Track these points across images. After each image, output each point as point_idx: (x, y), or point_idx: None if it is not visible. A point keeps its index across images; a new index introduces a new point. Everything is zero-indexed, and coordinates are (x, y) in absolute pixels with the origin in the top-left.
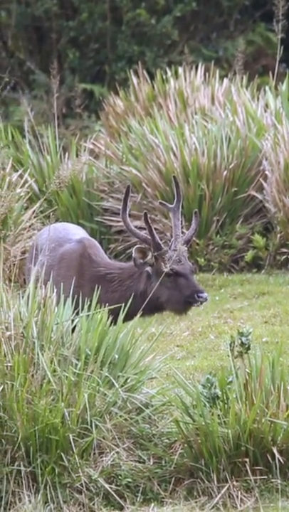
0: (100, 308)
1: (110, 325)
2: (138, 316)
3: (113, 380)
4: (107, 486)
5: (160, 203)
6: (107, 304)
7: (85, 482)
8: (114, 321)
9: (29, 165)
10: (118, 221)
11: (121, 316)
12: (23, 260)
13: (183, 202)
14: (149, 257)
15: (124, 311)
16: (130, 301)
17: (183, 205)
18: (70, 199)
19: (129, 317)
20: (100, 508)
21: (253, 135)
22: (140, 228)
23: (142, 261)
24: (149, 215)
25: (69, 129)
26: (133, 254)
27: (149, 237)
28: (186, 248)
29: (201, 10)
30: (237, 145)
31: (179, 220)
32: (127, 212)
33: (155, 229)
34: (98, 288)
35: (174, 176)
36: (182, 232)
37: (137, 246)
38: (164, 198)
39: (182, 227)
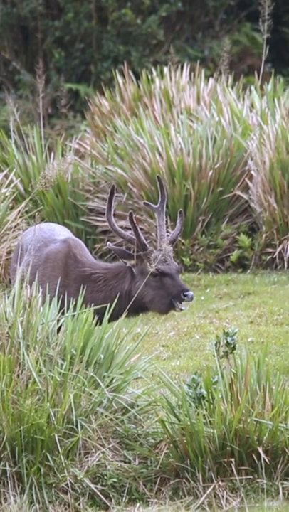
0: (85, 308)
1: (96, 325)
2: (123, 316)
3: (99, 380)
4: (92, 486)
5: (145, 203)
6: (92, 304)
7: (70, 482)
8: (100, 321)
9: (14, 165)
10: (103, 221)
11: (106, 316)
12: (8, 260)
13: (168, 202)
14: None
15: (110, 312)
16: (112, 301)
17: (168, 205)
18: (55, 199)
19: (114, 317)
20: (86, 508)
21: (239, 135)
22: (125, 228)
23: (126, 250)
24: (134, 215)
25: (54, 129)
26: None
27: (134, 237)
28: (171, 248)
29: (186, 10)
30: (222, 145)
31: (163, 220)
32: (112, 212)
33: (140, 229)
34: (84, 288)
35: (158, 176)
36: (167, 232)
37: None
38: (149, 198)
39: (167, 227)
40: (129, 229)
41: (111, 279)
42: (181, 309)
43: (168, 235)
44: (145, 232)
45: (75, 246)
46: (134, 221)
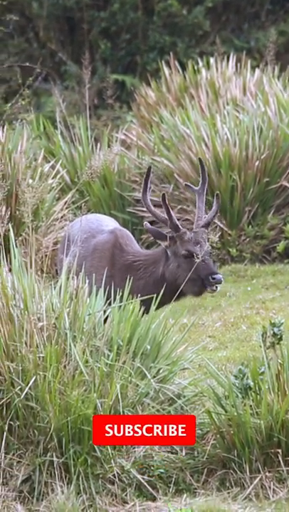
0: (130, 298)
1: (142, 315)
2: (170, 306)
3: (145, 371)
4: (139, 476)
5: (186, 185)
6: (135, 293)
7: (117, 473)
8: (144, 311)
9: (61, 156)
10: None
11: (153, 307)
12: (55, 251)
13: (215, 192)
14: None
15: (156, 301)
16: (152, 287)
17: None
18: (101, 190)
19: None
20: (133, 499)
21: (285, 125)
22: None
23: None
24: (180, 206)
25: (101, 120)
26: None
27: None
28: (205, 230)
29: (232, 0)
30: (269, 135)
31: (203, 202)
32: (148, 192)
33: (186, 219)
34: (128, 277)
35: (199, 159)
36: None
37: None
38: None
39: (214, 218)
40: (177, 219)
41: (150, 265)
42: (213, 290)
43: (204, 218)
44: (191, 223)
45: (121, 236)
46: (167, 202)
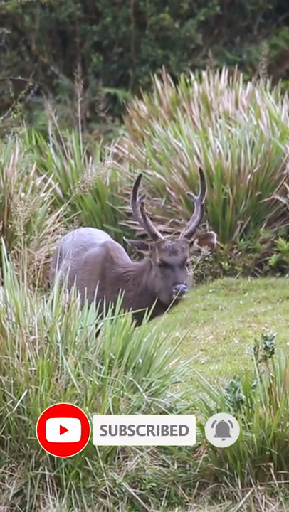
0: (123, 310)
1: (134, 327)
2: (162, 319)
3: (137, 385)
4: (131, 490)
5: (188, 194)
6: (126, 305)
7: (109, 486)
8: (136, 323)
9: (53, 169)
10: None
11: (145, 320)
12: (47, 264)
13: (207, 206)
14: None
15: (148, 314)
16: (141, 298)
17: (207, 210)
18: (94, 203)
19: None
20: None
21: (277, 139)
22: (165, 232)
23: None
24: (172, 220)
25: (93, 133)
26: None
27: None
28: (187, 240)
29: (224, 14)
30: (261, 149)
31: (198, 212)
32: (137, 201)
33: (178, 233)
34: (119, 289)
35: (200, 168)
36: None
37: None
38: (188, 202)
39: (206, 230)
40: (169, 233)
41: (138, 276)
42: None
43: (187, 228)
44: None
45: (112, 249)
46: (144, 211)
